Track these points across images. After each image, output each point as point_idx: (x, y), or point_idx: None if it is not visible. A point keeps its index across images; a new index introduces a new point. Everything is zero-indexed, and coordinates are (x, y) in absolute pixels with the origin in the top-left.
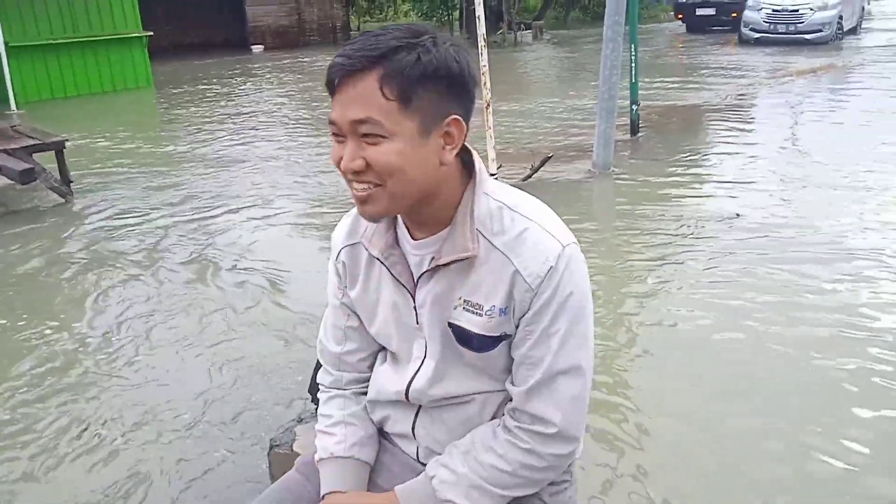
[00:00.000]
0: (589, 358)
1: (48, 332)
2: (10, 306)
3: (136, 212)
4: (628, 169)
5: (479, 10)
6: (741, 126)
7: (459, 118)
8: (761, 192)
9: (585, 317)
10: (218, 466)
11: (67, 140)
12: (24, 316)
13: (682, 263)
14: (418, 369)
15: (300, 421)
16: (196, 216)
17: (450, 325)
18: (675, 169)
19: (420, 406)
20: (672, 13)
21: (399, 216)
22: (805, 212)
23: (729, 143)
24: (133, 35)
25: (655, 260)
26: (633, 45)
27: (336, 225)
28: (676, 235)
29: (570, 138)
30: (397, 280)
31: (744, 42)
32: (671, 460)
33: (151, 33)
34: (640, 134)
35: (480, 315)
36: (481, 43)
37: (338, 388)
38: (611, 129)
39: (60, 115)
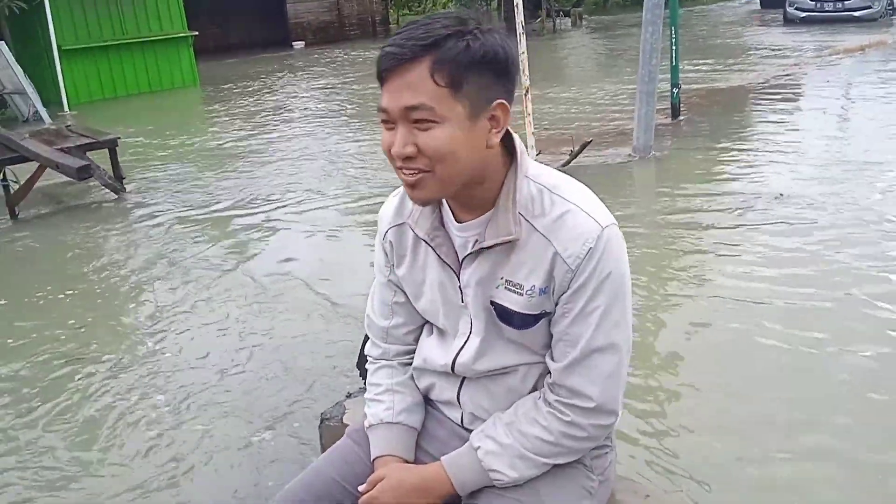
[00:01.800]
0: (626, 336)
1: (101, 319)
2: (63, 293)
3: (184, 205)
4: (669, 152)
5: None
6: (784, 106)
7: (505, 102)
8: (805, 172)
9: (623, 296)
10: (273, 440)
11: (119, 138)
12: (77, 303)
13: (724, 244)
14: (464, 344)
15: (349, 396)
16: (241, 209)
17: (492, 303)
18: (715, 151)
19: (465, 376)
20: None
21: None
22: (851, 192)
23: (772, 123)
24: (179, 35)
25: (698, 242)
26: (673, 28)
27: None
28: (719, 217)
29: (610, 123)
30: (443, 261)
31: (789, 21)
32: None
33: (197, 33)
34: (681, 117)
35: (521, 294)
36: (519, 30)
37: (385, 360)
38: (651, 113)
39: (111, 115)
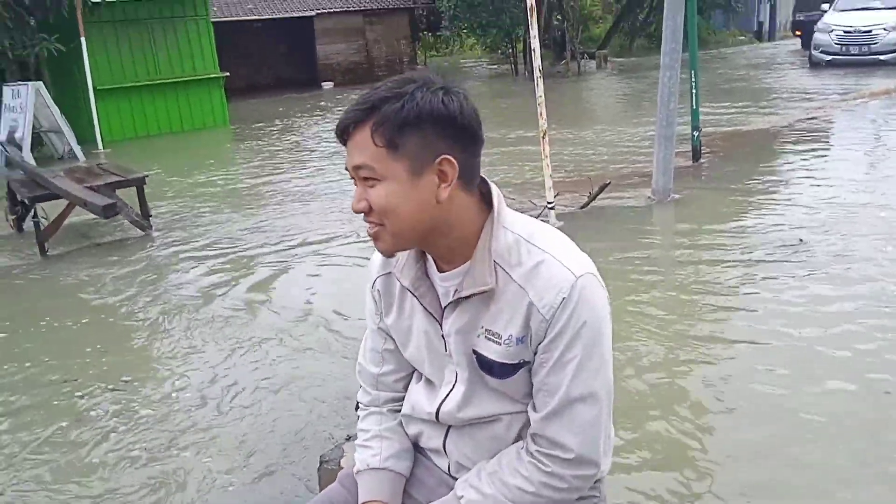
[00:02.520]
0: (605, 384)
1: (121, 355)
2: (83, 327)
3: (210, 243)
4: (689, 195)
5: (535, 44)
6: (808, 150)
7: (450, 157)
8: (826, 217)
9: (600, 345)
10: (271, 476)
11: (147, 176)
12: (97, 336)
13: (742, 288)
14: (448, 393)
15: (348, 438)
16: (268, 248)
17: (474, 352)
18: (736, 194)
19: (451, 425)
20: (741, 37)
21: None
22: (873, 238)
23: (795, 167)
24: (211, 76)
25: (716, 286)
26: (693, 72)
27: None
28: (737, 262)
29: (631, 166)
30: (427, 310)
31: (815, 65)
32: None
33: (227, 74)
34: (702, 160)
35: (499, 344)
36: (537, 74)
37: (375, 406)
38: (670, 156)
39: (143, 153)
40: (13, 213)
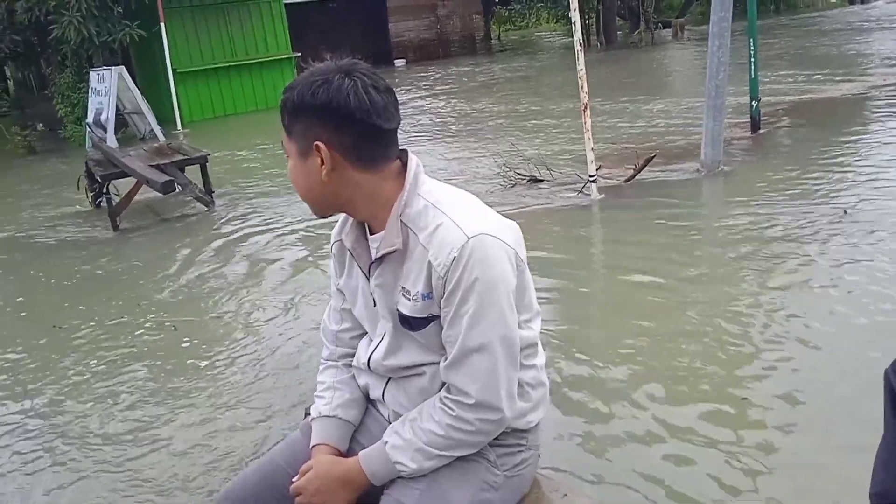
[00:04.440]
0: (503, 336)
1: (170, 322)
2: (129, 293)
3: (270, 217)
4: (739, 167)
5: (575, 16)
6: (880, 119)
7: (323, 144)
8: (880, 189)
9: (495, 299)
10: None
11: (209, 155)
12: (141, 304)
13: (785, 263)
14: (378, 344)
15: None
16: (324, 222)
17: (396, 307)
18: (790, 166)
19: (389, 377)
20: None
21: None
22: None
23: (862, 138)
24: (284, 57)
25: (758, 261)
26: (751, 40)
27: None
28: (781, 235)
29: (686, 138)
30: (360, 268)
31: None
32: None
33: (300, 54)
34: (761, 131)
35: (409, 300)
36: (577, 48)
37: (332, 361)
38: (719, 127)
39: (219, 133)
40: (91, 190)
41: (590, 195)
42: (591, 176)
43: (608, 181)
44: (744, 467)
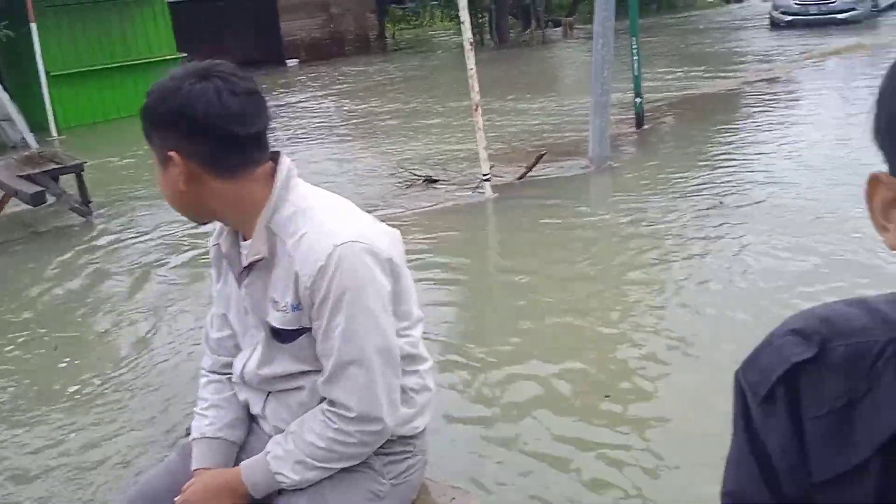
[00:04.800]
0: (379, 347)
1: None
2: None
3: (153, 228)
4: (627, 162)
5: (464, 15)
6: (755, 113)
7: (175, 154)
8: (754, 179)
9: (367, 310)
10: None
11: (85, 163)
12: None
13: (672, 253)
14: (251, 355)
15: None
16: (208, 230)
17: (267, 318)
18: (673, 159)
19: (269, 392)
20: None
21: None
22: (809, 197)
23: (739, 130)
24: (168, 58)
25: (642, 255)
26: (634, 39)
27: None
28: (666, 225)
29: (574, 135)
30: (234, 275)
31: (775, 26)
32: None
33: (186, 55)
34: (645, 126)
35: (279, 311)
36: (467, 47)
37: (214, 372)
38: (605, 124)
39: (99, 139)
40: None
41: (484, 194)
42: (484, 175)
43: (502, 179)
44: (617, 464)
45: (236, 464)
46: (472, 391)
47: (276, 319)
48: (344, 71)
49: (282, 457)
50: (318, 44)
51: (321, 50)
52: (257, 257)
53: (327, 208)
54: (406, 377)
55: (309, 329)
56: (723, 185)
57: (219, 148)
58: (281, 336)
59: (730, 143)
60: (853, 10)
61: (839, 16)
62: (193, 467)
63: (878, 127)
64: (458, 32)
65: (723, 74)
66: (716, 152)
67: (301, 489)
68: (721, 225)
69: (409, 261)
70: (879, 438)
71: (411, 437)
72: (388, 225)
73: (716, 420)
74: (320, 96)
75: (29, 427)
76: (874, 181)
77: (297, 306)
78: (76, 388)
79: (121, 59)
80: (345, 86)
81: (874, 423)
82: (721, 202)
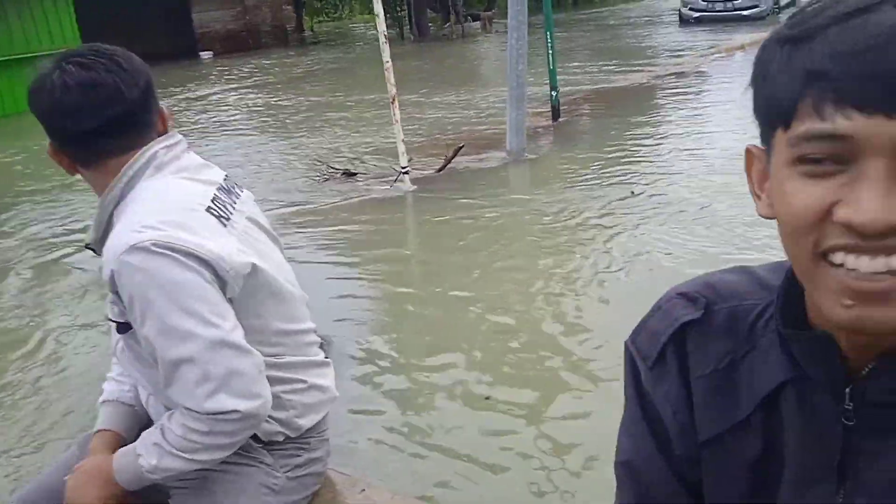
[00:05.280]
0: (203, 344)
1: None
2: None
3: (51, 227)
4: (544, 154)
5: (378, 8)
6: (664, 105)
7: (49, 144)
8: (665, 169)
9: (164, 316)
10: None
11: None
12: None
13: (585, 239)
14: (116, 344)
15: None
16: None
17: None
18: (588, 151)
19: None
20: None
21: None
22: (703, 191)
23: (650, 122)
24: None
25: (557, 245)
26: (548, 34)
27: None
28: (580, 214)
29: (493, 127)
30: None
31: (684, 21)
32: None
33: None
34: (561, 119)
35: (111, 302)
36: (382, 40)
37: None
38: (521, 117)
39: None
40: None
41: (403, 186)
42: (403, 167)
43: (421, 172)
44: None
45: None
46: (380, 385)
47: (109, 310)
48: (260, 64)
49: (145, 439)
50: (233, 36)
51: (237, 42)
52: (86, 242)
53: (147, 203)
54: (280, 384)
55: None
56: (637, 174)
57: (62, 141)
58: (118, 327)
59: (642, 135)
60: (756, 6)
61: (744, 12)
62: (97, 428)
63: (755, 105)
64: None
65: (635, 68)
66: (629, 144)
67: (188, 487)
68: (630, 215)
69: (327, 253)
70: (760, 393)
71: (301, 435)
72: (309, 218)
73: (612, 400)
74: (234, 89)
75: None
76: (749, 154)
77: (115, 301)
78: None
79: (20, 50)
80: (261, 79)
81: (754, 379)
82: (633, 193)
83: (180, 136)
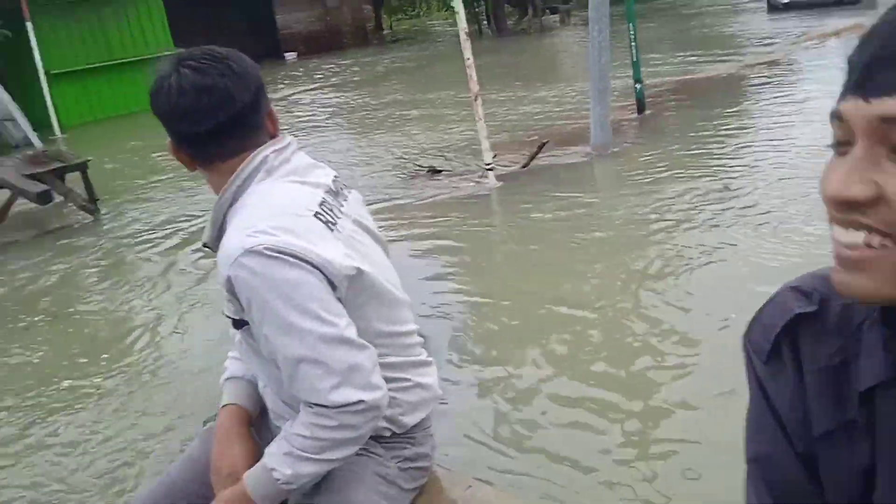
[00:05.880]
0: (319, 343)
1: (67, 337)
2: (35, 314)
3: (161, 223)
4: (629, 148)
5: (458, 5)
6: (755, 95)
7: (169, 142)
8: (758, 164)
9: (282, 316)
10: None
11: (89, 161)
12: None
13: (673, 237)
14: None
15: None
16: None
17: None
18: (675, 145)
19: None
20: None
21: None
22: (800, 187)
23: (741, 114)
24: (165, 54)
25: (645, 240)
26: (630, 24)
27: None
28: (669, 210)
29: (576, 122)
30: None
31: (773, 8)
32: None
33: (182, 51)
34: (647, 112)
35: (227, 299)
36: (463, 37)
37: None
38: (605, 110)
39: (101, 137)
40: None
41: (488, 183)
42: (487, 164)
43: (505, 168)
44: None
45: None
46: (478, 383)
47: (226, 307)
48: (342, 63)
49: (274, 452)
50: (315, 37)
51: (319, 43)
52: (203, 242)
53: (255, 206)
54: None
55: (248, 323)
56: (727, 169)
57: (179, 141)
58: (234, 323)
59: (732, 127)
60: None
61: None
62: (223, 403)
63: None
64: (455, 22)
65: (722, 58)
66: (719, 136)
67: (312, 490)
68: (719, 211)
69: (414, 250)
70: (862, 392)
71: (406, 432)
72: (396, 215)
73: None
74: (318, 89)
75: (58, 425)
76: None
77: (230, 300)
78: (98, 380)
79: (118, 56)
80: (342, 78)
81: (860, 379)
82: (726, 187)
83: (290, 139)
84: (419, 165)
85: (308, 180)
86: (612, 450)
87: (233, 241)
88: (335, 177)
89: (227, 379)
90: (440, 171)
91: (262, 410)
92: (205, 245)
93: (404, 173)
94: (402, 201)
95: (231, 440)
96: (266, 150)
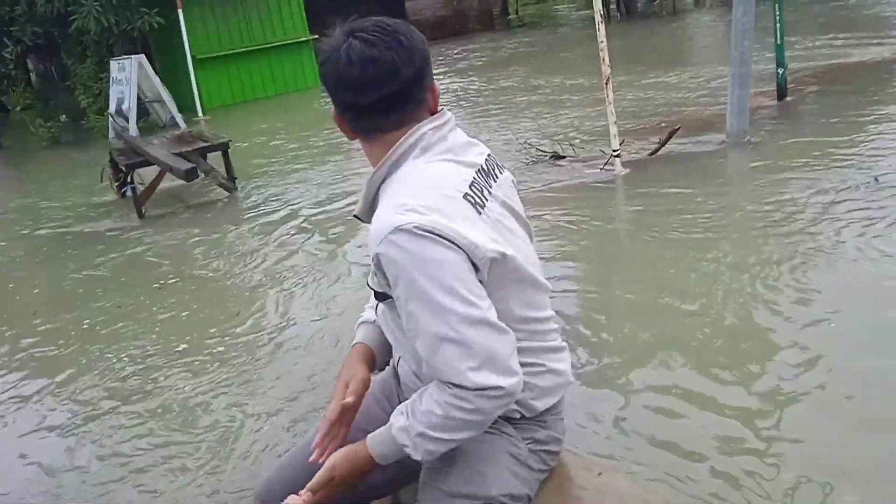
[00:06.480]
0: (457, 324)
1: (200, 308)
2: (166, 280)
3: (299, 201)
4: (767, 137)
5: None
6: None
7: (334, 112)
8: None
9: (432, 294)
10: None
11: (230, 141)
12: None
13: (812, 235)
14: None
15: None
16: (349, 204)
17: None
18: (818, 134)
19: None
20: None
21: None
22: None
23: (888, 103)
24: (301, 39)
25: (786, 232)
26: (776, 5)
27: None
28: (808, 204)
29: (711, 108)
30: None
31: None
32: None
33: (317, 37)
34: (788, 98)
35: (371, 272)
36: (598, 19)
37: None
38: (745, 96)
39: (239, 118)
40: (116, 179)
41: (614, 170)
42: (614, 150)
43: (632, 155)
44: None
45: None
46: (603, 371)
47: (370, 279)
48: (469, 48)
49: (404, 427)
50: (443, 22)
51: (446, 28)
52: (356, 212)
53: (407, 183)
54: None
55: (391, 298)
56: (877, 161)
57: (347, 111)
58: (377, 295)
59: (882, 116)
60: None
61: None
62: (354, 342)
63: None
64: (581, 6)
65: (874, 41)
66: (868, 126)
67: (446, 459)
68: (873, 201)
69: (540, 236)
70: None
71: (536, 416)
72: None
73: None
74: (447, 73)
75: (196, 410)
76: None
77: (376, 273)
78: (249, 348)
79: (258, 42)
80: (471, 62)
81: None
82: (876, 179)
83: (449, 115)
84: (542, 150)
85: (462, 159)
86: (739, 447)
87: (384, 217)
88: (488, 155)
89: (361, 323)
90: (563, 157)
91: (397, 379)
92: (355, 216)
93: (527, 158)
94: (524, 187)
95: (354, 365)
96: (425, 127)
